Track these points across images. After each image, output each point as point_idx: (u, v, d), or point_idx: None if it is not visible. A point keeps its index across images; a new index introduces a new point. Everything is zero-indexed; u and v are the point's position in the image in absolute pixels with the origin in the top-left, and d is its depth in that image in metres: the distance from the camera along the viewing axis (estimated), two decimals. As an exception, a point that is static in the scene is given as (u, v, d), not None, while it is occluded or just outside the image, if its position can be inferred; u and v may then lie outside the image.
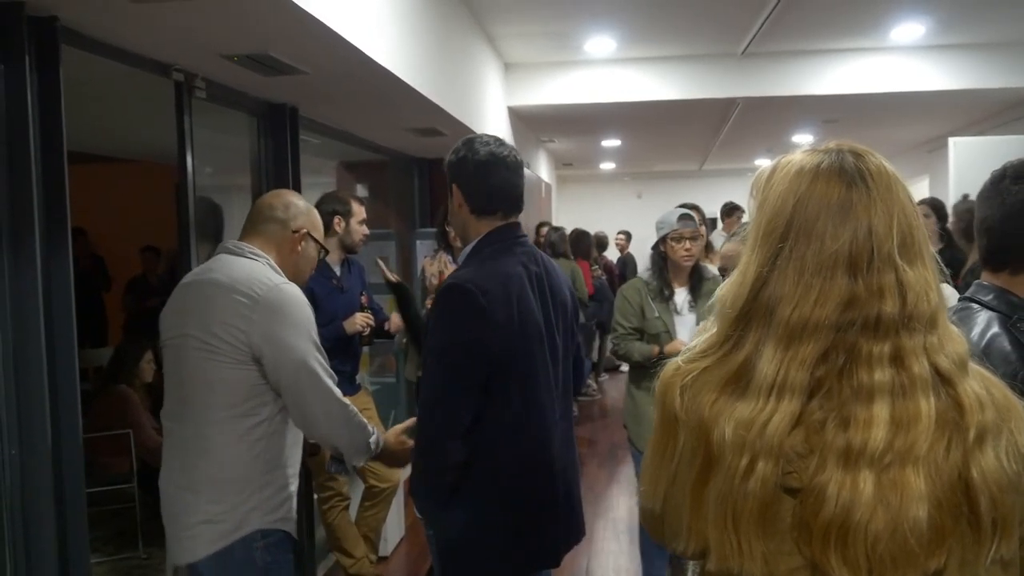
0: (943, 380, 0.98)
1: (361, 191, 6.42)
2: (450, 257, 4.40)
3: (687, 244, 3.40)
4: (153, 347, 5.14)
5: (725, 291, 1.08)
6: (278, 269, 2.19)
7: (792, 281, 1.01)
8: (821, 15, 5.41)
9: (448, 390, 1.96)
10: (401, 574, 4.36)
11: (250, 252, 2.17)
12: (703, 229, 3.62)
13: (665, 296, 3.46)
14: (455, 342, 1.96)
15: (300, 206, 2.30)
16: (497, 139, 2.16)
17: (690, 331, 3.29)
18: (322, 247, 2.37)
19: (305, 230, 2.28)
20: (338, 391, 2.14)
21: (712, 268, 3.67)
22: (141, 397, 4.79)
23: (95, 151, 6.42)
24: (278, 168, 4.01)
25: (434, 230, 4.85)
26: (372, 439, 2.22)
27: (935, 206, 5.20)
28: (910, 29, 5.79)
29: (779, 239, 1.03)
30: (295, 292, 2.12)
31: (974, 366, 1.04)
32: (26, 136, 2.38)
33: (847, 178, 1.03)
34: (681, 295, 3.48)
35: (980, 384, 1.01)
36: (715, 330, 1.08)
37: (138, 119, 4.94)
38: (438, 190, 6.68)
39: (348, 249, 3.78)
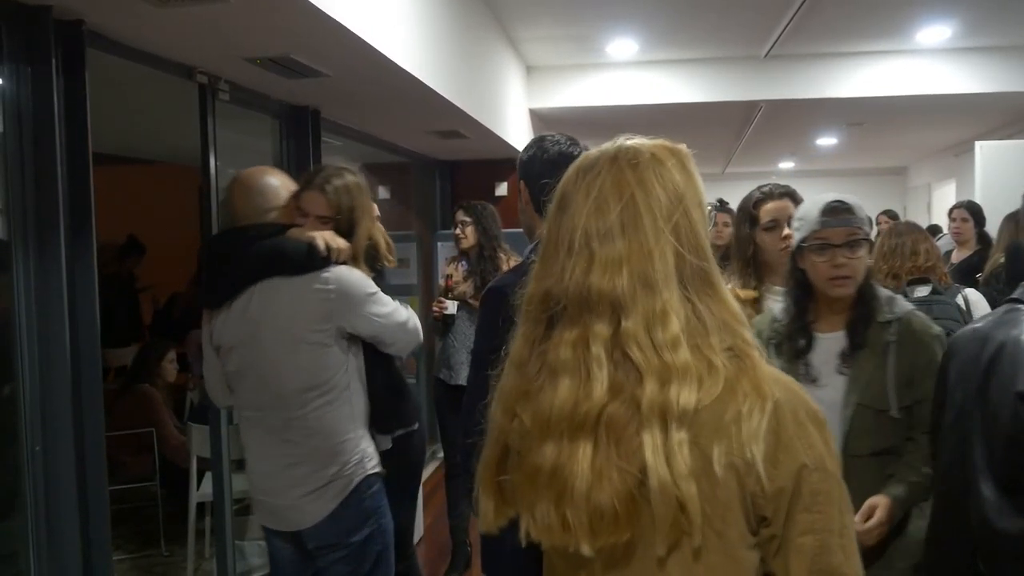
0: (632, 363, 1.01)
1: (383, 193, 6.44)
2: (464, 264, 4.37)
3: (841, 256, 2.05)
4: (176, 347, 5.20)
5: None
6: None
7: (535, 266, 1.13)
8: (845, 17, 5.36)
9: (483, 395, 1.98)
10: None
11: None
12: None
13: (799, 347, 2.12)
14: (489, 346, 1.97)
15: (267, 186, 2.45)
16: (570, 139, 2.16)
17: (841, 415, 2.04)
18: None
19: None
20: (398, 313, 2.43)
21: (899, 300, 2.18)
22: (164, 396, 4.84)
23: (119, 153, 6.49)
24: (300, 170, 4.03)
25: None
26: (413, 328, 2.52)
27: (973, 210, 5.15)
28: (936, 31, 5.73)
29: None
30: (347, 272, 2.34)
31: (745, 356, 1.03)
32: (52, 138, 2.41)
33: (573, 172, 1.14)
34: (829, 345, 2.11)
35: (712, 372, 1.00)
36: None
37: (162, 122, 4.99)
38: (460, 192, 6.69)
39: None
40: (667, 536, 0.98)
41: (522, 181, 2.14)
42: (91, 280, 2.53)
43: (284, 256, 2.29)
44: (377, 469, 2.41)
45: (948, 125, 8.22)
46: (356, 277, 2.35)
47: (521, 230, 2.11)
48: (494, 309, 1.97)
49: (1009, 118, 7.62)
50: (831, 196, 2.10)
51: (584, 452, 1.00)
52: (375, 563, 2.40)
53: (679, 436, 0.97)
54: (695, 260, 1.05)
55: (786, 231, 2.44)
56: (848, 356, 2.07)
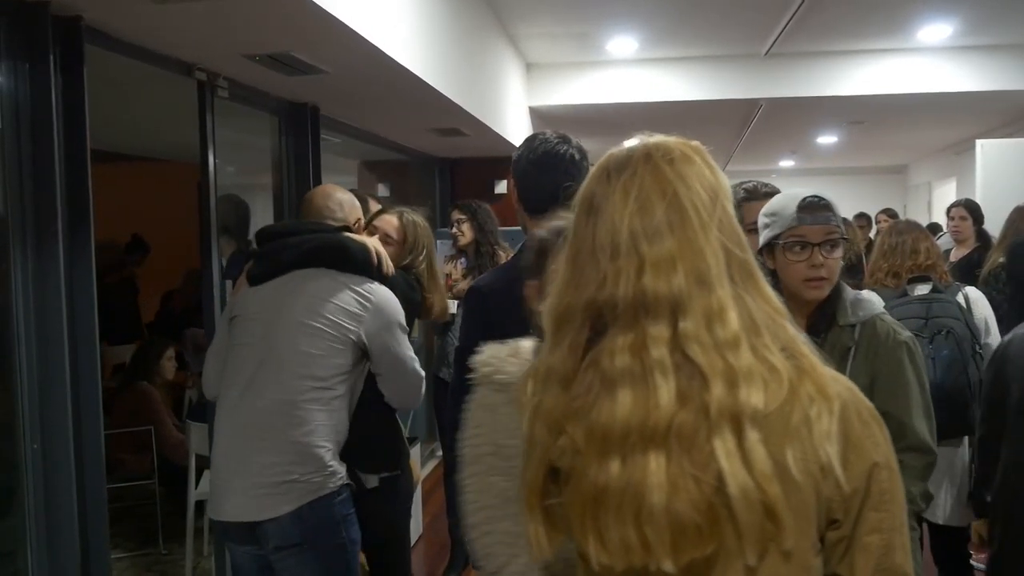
0: (696, 367, 0.96)
1: (382, 191, 6.44)
2: (463, 261, 4.38)
3: (820, 255, 1.93)
4: (175, 345, 5.19)
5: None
6: None
7: (561, 276, 1.07)
8: (846, 16, 5.35)
9: (467, 391, 1.98)
10: (419, 573, 4.36)
11: None
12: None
13: None
14: (472, 345, 1.98)
15: (347, 200, 2.57)
16: (560, 137, 2.15)
17: None
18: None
19: (360, 220, 2.57)
20: (415, 367, 2.45)
21: (871, 297, 2.15)
22: (162, 395, 4.83)
23: (118, 150, 6.48)
24: (299, 167, 4.03)
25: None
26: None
27: (971, 208, 5.14)
28: (937, 30, 5.72)
29: (566, 239, 1.11)
30: (390, 295, 2.41)
31: (800, 356, 1.00)
32: (50, 134, 2.40)
33: (601, 173, 1.07)
34: None
35: (774, 373, 0.97)
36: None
37: (161, 119, 4.98)
38: (459, 190, 6.68)
39: None
40: (755, 546, 0.94)
41: (512, 179, 2.14)
42: (89, 277, 2.53)
43: (345, 250, 2.36)
44: (345, 481, 2.32)
45: (949, 123, 8.21)
46: (396, 303, 2.41)
47: (520, 227, 2.11)
48: (472, 308, 1.99)
49: (1010, 117, 7.61)
50: (807, 191, 1.97)
51: (657, 464, 0.95)
52: (344, 574, 2.31)
53: (754, 436, 0.94)
54: (740, 254, 1.02)
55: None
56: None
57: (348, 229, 2.50)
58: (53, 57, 2.41)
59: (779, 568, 0.96)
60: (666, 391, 0.95)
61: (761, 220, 2.03)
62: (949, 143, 9.74)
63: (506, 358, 1.54)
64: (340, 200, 2.54)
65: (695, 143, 1.10)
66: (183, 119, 3.48)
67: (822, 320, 1.97)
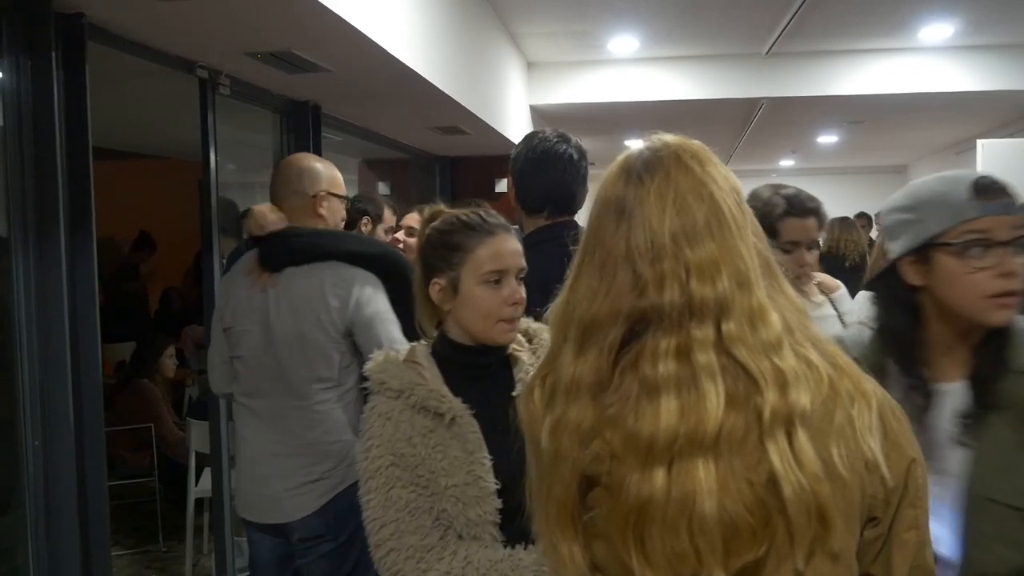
0: (743, 369, 0.95)
1: (383, 189, 6.43)
2: None
3: (1010, 261, 1.33)
4: (175, 343, 5.19)
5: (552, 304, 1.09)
6: None
7: (585, 283, 1.03)
8: (847, 15, 5.35)
9: None
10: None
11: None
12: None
13: (917, 405, 1.37)
14: None
15: (313, 168, 2.46)
16: (561, 135, 2.14)
17: (958, 511, 1.35)
18: (345, 198, 2.56)
19: (323, 191, 2.44)
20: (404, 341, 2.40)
21: None
22: (162, 392, 4.83)
23: (119, 147, 6.48)
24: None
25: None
26: None
27: None
28: (939, 29, 5.71)
29: (584, 244, 1.06)
30: (369, 278, 2.36)
31: (831, 354, 1.00)
32: (52, 131, 2.40)
33: (626, 175, 1.04)
34: (946, 401, 1.39)
35: (815, 372, 0.96)
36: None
37: (162, 116, 4.97)
38: (460, 188, 6.68)
39: None
40: (805, 547, 0.93)
41: (510, 177, 2.14)
42: (91, 274, 2.53)
43: (364, 243, 2.49)
44: None
45: (950, 123, 8.20)
46: (374, 286, 2.36)
47: (517, 226, 2.10)
48: None
49: (1011, 116, 7.61)
50: (972, 172, 1.41)
51: (706, 471, 0.92)
52: (356, 562, 2.36)
53: (803, 437, 0.93)
54: (767, 254, 1.02)
55: (807, 256, 2.15)
56: (971, 420, 1.34)
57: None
58: (55, 54, 2.41)
59: (827, 570, 0.95)
60: (715, 396, 0.93)
61: (894, 218, 1.44)
62: (949, 143, 9.73)
63: (400, 364, 1.50)
64: (300, 169, 2.45)
65: (699, 144, 1.09)
66: (184, 117, 3.48)
67: (990, 364, 1.36)
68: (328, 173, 2.48)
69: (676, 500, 0.93)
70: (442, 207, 1.62)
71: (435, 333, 1.60)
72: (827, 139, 9.57)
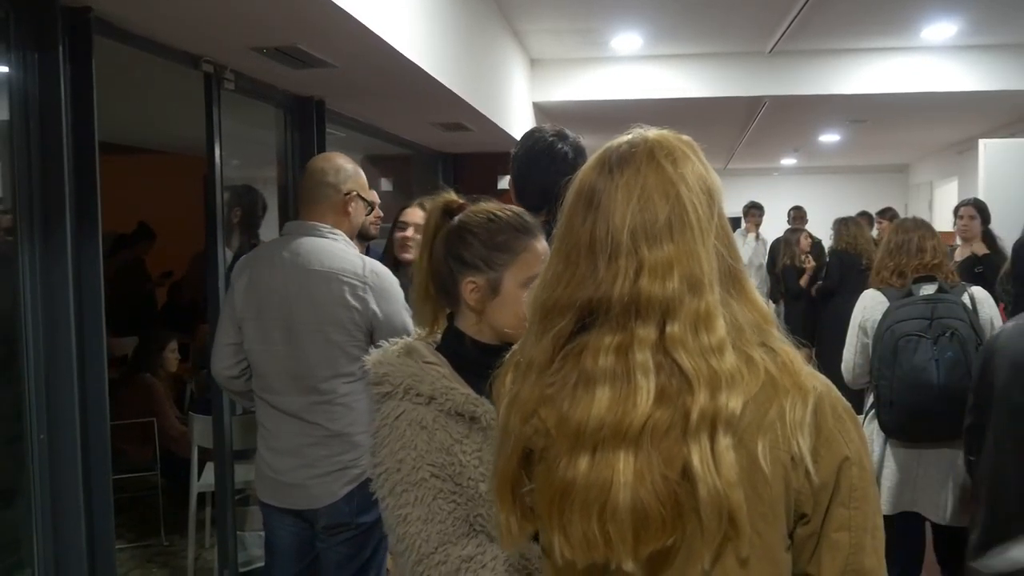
0: (679, 368, 0.97)
1: (385, 185, 6.43)
2: None
3: None
4: (182, 337, 5.19)
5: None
6: (352, 243, 2.48)
7: (553, 269, 1.06)
8: (850, 14, 5.35)
9: None
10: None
11: (329, 233, 2.43)
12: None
13: None
14: None
15: (348, 169, 2.50)
16: (558, 133, 2.14)
17: None
18: (369, 204, 2.59)
19: (354, 192, 2.48)
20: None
21: None
22: (165, 387, 4.84)
23: (124, 142, 6.47)
24: (304, 161, 4.02)
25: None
26: None
27: (980, 207, 5.15)
28: (942, 28, 5.72)
29: (557, 230, 1.08)
30: (385, 271, 2.44)
31: (782, 353, 1.01)
32: (59, 126, 2.40)
33: (601, 167, 1.06)
34: None
35: (753, 368, 0.98)
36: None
37: (167, 111, 4.97)
38: (462, 184, 6.68)
39: (362, 236, 3.76)
40: (713, 546, 0.96)
41: (510, 176, 2.15)
42: (96, 269, 2.53)
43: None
44: None
45: (952, 123, 8.21)
46: (390, 277, 2.44)
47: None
48: None
49: (1013, 116, 7.61)
50: None
51: (626, 463, 0.95)
52: (375, 549, 2.43)
53: (725, 441, 0.94)
54: (730, 260, 1.03)
55: None
56: None
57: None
58: (62, 48, 2.41)
59: (734, 571, 0.97)
60: (646, 392, 0.96)
61: None
62: (951, 142, 9.74)
63: (422, 365, 1.40)
64: (337, 166, 2.49)
65: (687, 138, 1.09)
66: (189, 112, 3.48)
67: None
68: (359, 176, 2.53)
69: (594, 486, 0.96)
70: (454, 196, 1.55)
71: (427, 329, 1.51)
72: (829, 138, 9.57)
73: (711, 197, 1.03)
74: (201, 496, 4.12)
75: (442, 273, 1.48)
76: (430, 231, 1.50)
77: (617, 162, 1.05)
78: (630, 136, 1.08)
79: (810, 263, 7.08)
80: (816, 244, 7.55)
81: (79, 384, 2.45)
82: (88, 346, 2.50)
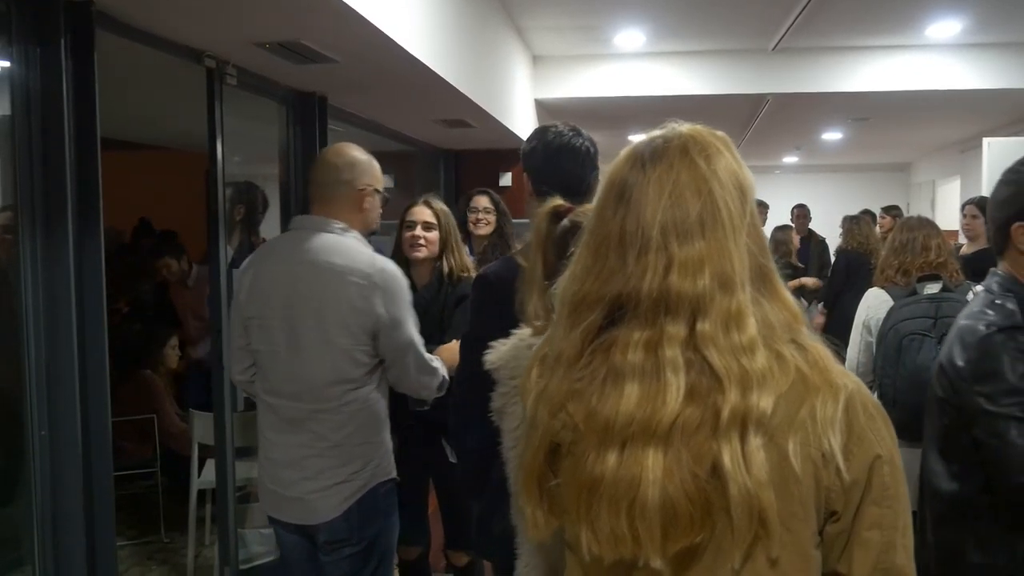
0: (709, 366, 0.96)
1: (388, 181, 6.41)
2: (468, 250, 4.36)
3: None
4: (177, 333, 5.18)
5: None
6: (365, 241, 2.39)
7: (582, 262, 1.05)
8: (854, 11, 5.34)
9: (466, 376, 1.98)
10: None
11: (339, 228, 2.34)
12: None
13: None
14: (478, 333, 1.98)
15: (363, 161, 2.42)
16: (572, 129, 2.14)
17: None
18: (384, 196, 2.51)
19: (370, 186, 2.41)
20: (427, 354, 2.42)
21: None
22: (165, 383, 4.83)
23: (126, 138, 6.46)
24: (307, 157, 4.02)
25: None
26: (440, 380, 2.47)
27: (983, 206, 5.13)
28: (946, 26, 5.70)
29: (588, 223, 1.08)
30: (396, 271, 2.35)
31: (812, 350, 1.00)
32: (60, 120, 2.39)
33: (633, 161, 1.05)
34: None
35: (784, 365, 0.97)
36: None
37: (168, 107, 4.96)
38: (464, 182, 6.67)
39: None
40: (744, 546, 0.95)
41: (526, 173, 2.14)
42: (98, 265, 2.52)
43: None
44: (392, 475, 2.40)
45: (955, 121, 8.19)
46: (399, 278, 2.35)
47: (527, 220, 2.10)
48: (483, 297, 1.99)
49: (1017, 115, 7.60)
50: None
51: (655, 459, 0.95)
52: (379, 563, 2.38)
53: (756, 441, 0.94)
54: (761, 259, 1.03)
55: None
56: None
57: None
58: (64, 42, 2.39)
59: (764, 570, 0.97)
60: (676, 389, 0.96)
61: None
62: (954, 141, 9.72)
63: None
64: (351, 160, 2.39)
65: (721, 134, 1.09)
66: (191, 108, 3.47)
67: None
68: (373, 168, 2.44)
69: (623, 482, 0.96)
70: (560, 200, 1.58)
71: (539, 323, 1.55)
72: (831, 136, 9.56)
73: (743, 194, 1.03)
74: (201, 493, 4.11)
75: (559, 274, 1.53)
76: (541, 235, 1.55)
77: (650, 157, 1.04)
78: (663, 130, 1.08)
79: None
80: (820, 242, 7.53)
81: (80, 380, 2.44)
82: (89, 342, 2.49)
